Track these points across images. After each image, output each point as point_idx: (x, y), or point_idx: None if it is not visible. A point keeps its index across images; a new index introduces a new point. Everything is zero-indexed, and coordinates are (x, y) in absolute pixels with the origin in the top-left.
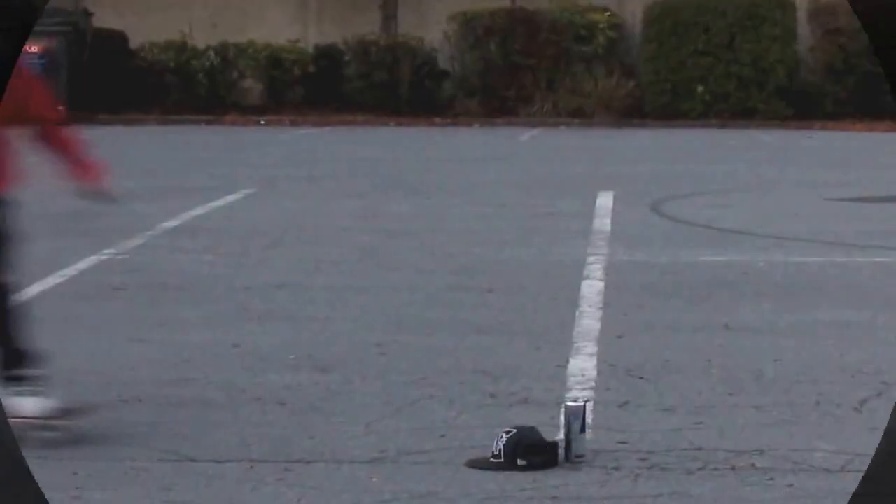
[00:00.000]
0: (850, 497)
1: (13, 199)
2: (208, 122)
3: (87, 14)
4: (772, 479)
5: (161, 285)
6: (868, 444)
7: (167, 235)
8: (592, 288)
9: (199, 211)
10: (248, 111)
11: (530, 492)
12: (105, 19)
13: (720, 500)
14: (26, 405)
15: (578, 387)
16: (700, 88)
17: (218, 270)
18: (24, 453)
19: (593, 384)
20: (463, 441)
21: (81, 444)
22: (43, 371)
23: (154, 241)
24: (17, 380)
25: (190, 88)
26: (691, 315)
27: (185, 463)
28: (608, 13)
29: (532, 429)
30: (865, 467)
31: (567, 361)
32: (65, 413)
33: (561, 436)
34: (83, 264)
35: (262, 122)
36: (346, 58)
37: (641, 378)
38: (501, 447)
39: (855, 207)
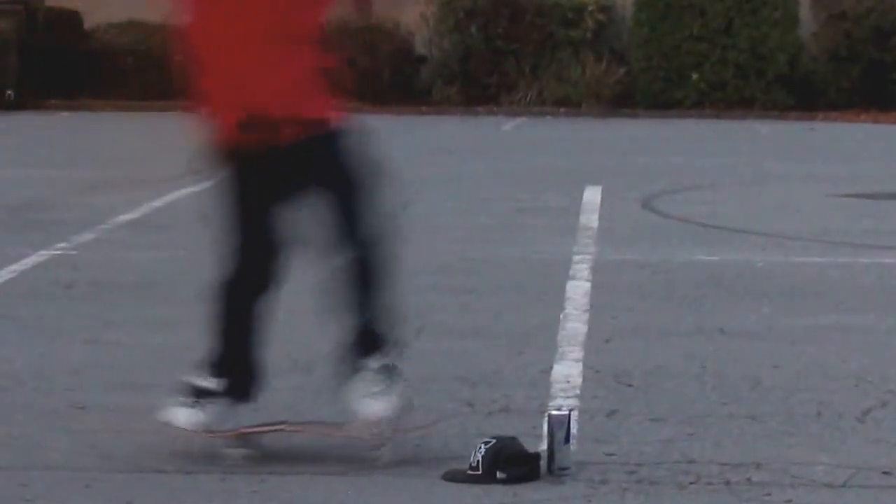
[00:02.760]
0: None
1: (351, 130)
2: (169, 109)
3: None
4: (769, 493)
5: (116, 283)
6: (872, 457)
7: (124, 229)
8: (578, 289)
9: (158, 203)
10: None
11: None
12: None
13: None
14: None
15: (563, 394)
16: (695, 76)
17: (179, 267)
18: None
19: (578, 392)
20: (439, 452)
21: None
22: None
23: (109, 235)
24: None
25: (149, 72)
26: (684, 318)
27: (151, 475)
28: None
29: (513, 439)
30: (869, 481)
31: (551, 367)
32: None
33: (544, 447)
34: (31, 260)
35: None
36: None
37: (630, 385)
38: (480, 458)
39: (859, 204)
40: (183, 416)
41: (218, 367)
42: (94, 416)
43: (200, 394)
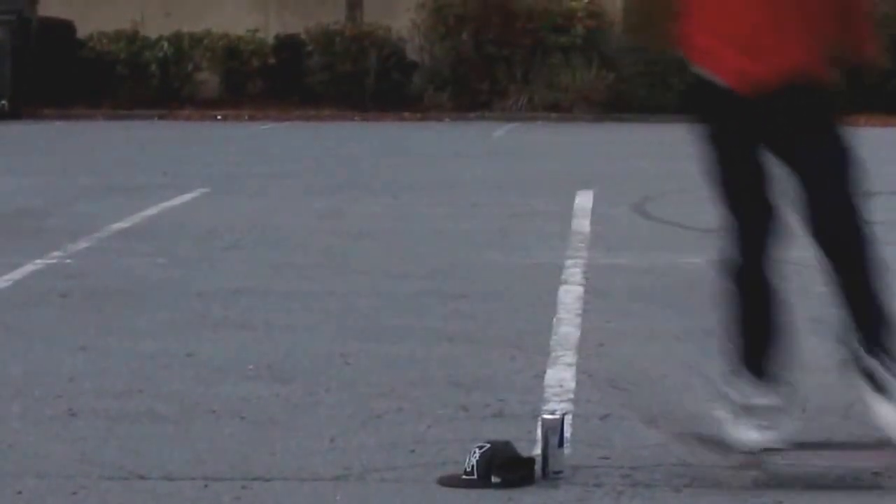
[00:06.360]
0: None
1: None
2: (161, 117)
3: (33, 1)
4: (762, 495)
5: (110, 291)
6: (863, 457)
7: (117, 237)
8: (571, 293)
9: (151, 211)
10: (204, 105)
11: None
12: (51, 7)
13: None
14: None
15: (556, 398)
16: None
17: (171, 275)
18: None
19: (572, 395)
20: (433, 457)
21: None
22: None
23: (103, 243)
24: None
25: (142, 81)
26: (677, 321)
27: (134, 481)
28: (587, 0)
29: (507, 443)
30: (861, 482)
31: (544, 371)
32: None
33: (538, 451)
34: (26, 269)
35: (219, 117)
36: (309, 48)
37: (624, 389)
38: (474, 463)
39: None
40: (754, 436)
41: (755, 368)
42: (85, 422)
43: (759, 411)
